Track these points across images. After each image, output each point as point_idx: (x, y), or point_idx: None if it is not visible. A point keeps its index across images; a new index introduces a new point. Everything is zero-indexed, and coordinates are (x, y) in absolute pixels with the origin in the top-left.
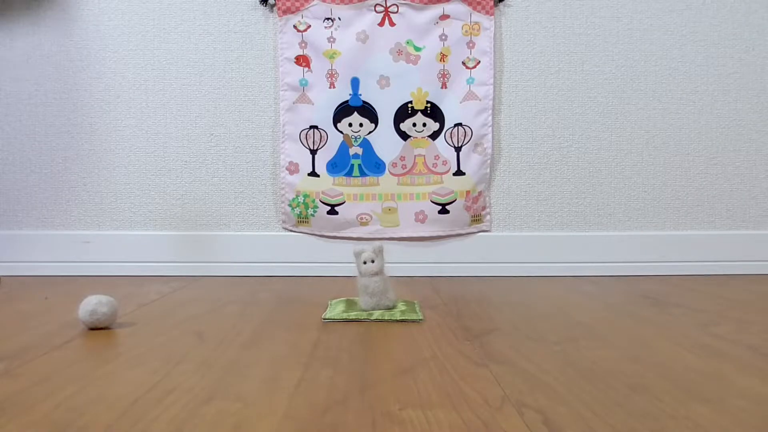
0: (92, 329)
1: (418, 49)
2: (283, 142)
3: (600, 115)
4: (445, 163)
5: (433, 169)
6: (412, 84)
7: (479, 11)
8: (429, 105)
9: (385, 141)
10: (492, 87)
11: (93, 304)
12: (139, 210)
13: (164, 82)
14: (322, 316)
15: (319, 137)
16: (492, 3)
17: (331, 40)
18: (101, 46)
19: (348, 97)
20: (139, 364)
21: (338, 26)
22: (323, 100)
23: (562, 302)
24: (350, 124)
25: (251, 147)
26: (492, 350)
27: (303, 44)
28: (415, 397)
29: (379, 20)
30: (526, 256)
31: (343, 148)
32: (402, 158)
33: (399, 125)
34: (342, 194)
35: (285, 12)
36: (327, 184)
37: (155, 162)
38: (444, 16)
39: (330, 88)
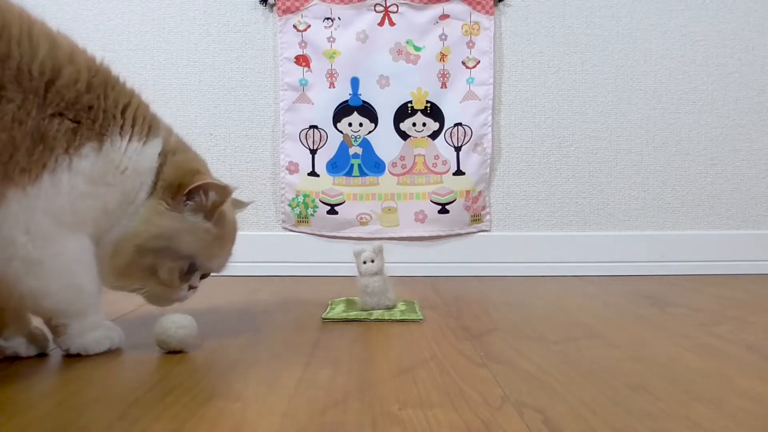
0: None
1: (417, 48)
2: (283, 142)
3: (600, 115)
4: (444, 162)
5: (432, 168)
6: (411, 84)
7: (479, 11)
8: (429, 105)
9: (384, 141)
10: (492, 87)
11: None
12: None
13: (164, 82)
14: (322, 316)
15: (318, 137)
16: (492, 3)
17: (331, 39)
18: (101, 46)
19: (348, 97)
20: (139, 363)
21: (338, 26)
22: (323, 100)
23: (562, 302)
24: (350, 124)
25: (251, 147)
26: (492, 350)
27: (303, 44)
28: (415, 397)
29: (379, 20)
30: (526, 256)
31: (343, 147)
32: (402, 158)
33: (399, 125)
34: (342, 194)
35: (285, 12)
36: (327, 184)
37: None
38: (444, 16)
39: (330, 87)
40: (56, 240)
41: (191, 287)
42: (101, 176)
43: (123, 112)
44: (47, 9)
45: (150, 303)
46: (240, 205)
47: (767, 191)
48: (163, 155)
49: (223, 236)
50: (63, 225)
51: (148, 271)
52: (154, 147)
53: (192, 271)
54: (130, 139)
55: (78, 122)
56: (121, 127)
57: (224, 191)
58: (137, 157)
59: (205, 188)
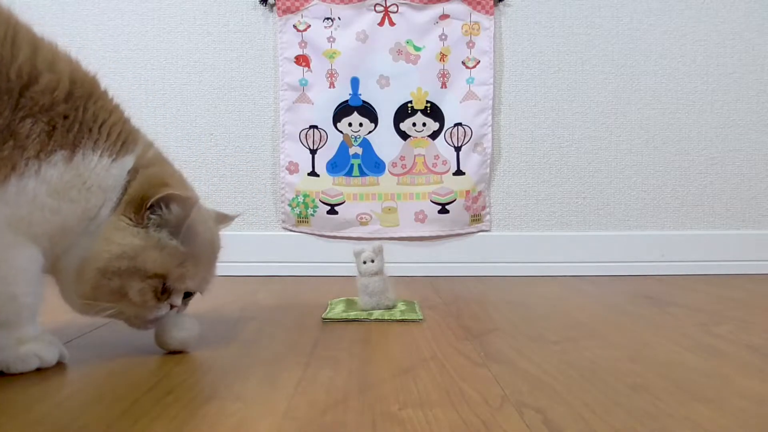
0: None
1: (417, 48)
2: (283, 142)
3: (600, 115)
4: (444, 162)
5: (432, 168)
6: (411, 84)
7: (479, 11)
8: (429, 105)
9: (384, 141)
10: (492, 87)
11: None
12: None
13: (164, 82)
14: (322, 316)
15: (318, 137)
16: (492, 3)
17: (331, 39)
18: (101, 46)
19: (348, 97)
20: (139, 363)
21: (338, 26)
22: (323, 100)
23: (562, 302)
24: (350, 124)
25: (251, 147)
26: (492, 350)
27: (303, 44)
28: (415, 397)
29: (379, 20)
30: (526, 256)
31: (343, 147)
32: (402, 158)
33: (399, 125)
34: (342, 194)
35: (285, 12)
36: (327, 184)
37: None
38: (444, 16)
39: (330, 87)
40: (3, 247)
41: (173, 306)
42: (66, 191)
43: (100, 127)
44: (48, 9)
45: (129, 326)
46: (225, 219)
47: (767, 191)
48: (134, 171)
49: (197, 255)
50: (17, 234)
51: (118, 293)
52: (124, 164)
53: (167, 290)
54: (100, 155)
55: (53, 127)
56: (95, 142)
57: (187, 203)
58: (104, 174)
59: (166, 200)
